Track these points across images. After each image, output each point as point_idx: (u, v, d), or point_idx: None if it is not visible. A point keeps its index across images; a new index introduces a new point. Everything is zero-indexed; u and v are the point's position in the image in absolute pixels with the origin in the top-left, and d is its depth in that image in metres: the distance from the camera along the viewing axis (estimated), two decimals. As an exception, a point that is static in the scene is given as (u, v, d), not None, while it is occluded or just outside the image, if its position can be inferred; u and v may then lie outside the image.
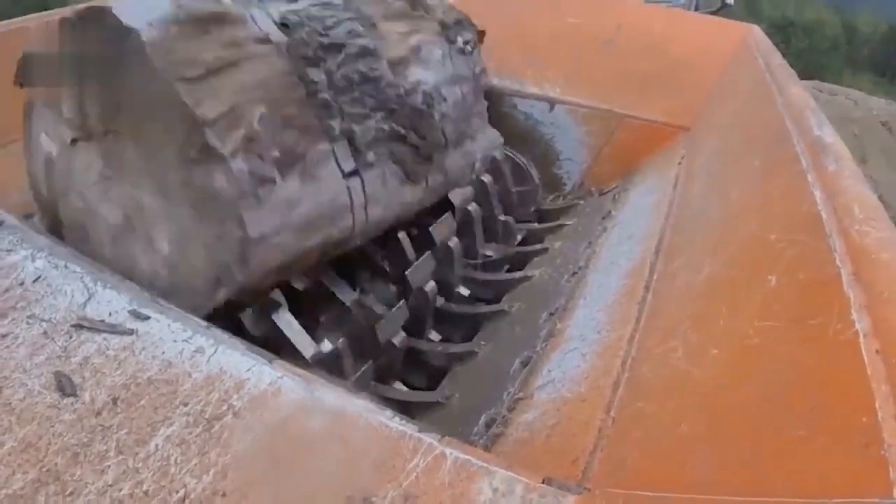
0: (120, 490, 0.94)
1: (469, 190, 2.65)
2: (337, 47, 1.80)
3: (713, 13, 7.38)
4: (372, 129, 1.86)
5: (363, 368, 1.95)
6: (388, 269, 2.28)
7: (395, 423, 1.12)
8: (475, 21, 2.64)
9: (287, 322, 1.84)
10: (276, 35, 1.69)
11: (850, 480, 0.77)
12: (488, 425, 1.67)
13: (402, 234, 2.31)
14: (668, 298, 1.67)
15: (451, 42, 2.26)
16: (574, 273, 2.26)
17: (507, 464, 1.08)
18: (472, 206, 2.64)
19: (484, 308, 2.42)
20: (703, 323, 1.37)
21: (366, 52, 1.88)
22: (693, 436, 1.10)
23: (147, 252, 1.61)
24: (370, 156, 1.85)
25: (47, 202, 1.80)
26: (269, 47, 1.65)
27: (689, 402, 1.20)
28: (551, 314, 2.07)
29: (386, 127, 1.90)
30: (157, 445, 1.02)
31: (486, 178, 2.80)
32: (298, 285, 2.00)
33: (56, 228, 1.80)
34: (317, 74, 1.72)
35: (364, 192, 1.84)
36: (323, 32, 1.78)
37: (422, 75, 2.08)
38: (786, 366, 1.04)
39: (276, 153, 1.56)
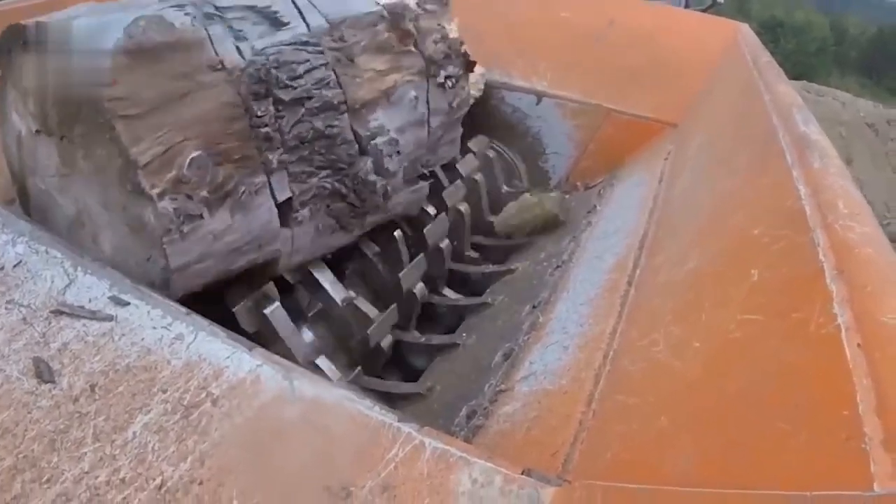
0: (97, 477, 0.93)
1: (462, 190, 2.65)
2: (298, 102, 1.79)
3: (703, 11, 7.38)
4: (313, 187, 1.86)
5: (353, 374, 1.95)
6: (379, 266, 2.27)
7: (375, 413, 1.11)
8: (466, 13, 2.63)
9: (280, 318, 1.85)
10: (230, 59, 1.66)
11: (831, 474, 0.77)
12: (469, 417, 1.67)
13: (398, 233, 2.33)
14: (651, 292, 1.67)
15: (432, 77, 2.24)
16: (557, 266, 2.26)
17: (486, 455, 1.07)
18: (464, 207, 2.64)
19: (467, 300, 2.43)
20: (686, 316, 1.37)
21: (327, 107, 1.86)
22: (674, 428, 1.10)
23: (93, 249, 1.63)
24: (304, 213, 1.86)
25: (19, 175, 1.80)
26: (218, 75, 1.63)
27: (670, 395, 1.20)
28: (534, 307, 2.07)
29: (328, 185, 1.90)
30: (134, 433, 1.01)
31: (479, 178, 2.80)
32: (290, 278, 2.00)
33: (25, 201, 1.80)
34: (262, 107, 1.70)
35: (292, 243, 1.87)
36: (287, 83, 1.76)
37: (384, 120, 2.06)
38: (768, 359, 1.04)
39: (204, 193, 1.59)
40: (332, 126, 1.87)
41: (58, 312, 1.19)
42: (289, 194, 1.81)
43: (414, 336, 2.28)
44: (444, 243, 2.49)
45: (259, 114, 1.69)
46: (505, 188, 3.06)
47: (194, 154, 1.55)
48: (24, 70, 1.60)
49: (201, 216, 1.59)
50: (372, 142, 1.99)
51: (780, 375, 0.99)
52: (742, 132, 2.00)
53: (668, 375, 1.25)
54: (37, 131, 1.64)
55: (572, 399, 1.46)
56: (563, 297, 2.03)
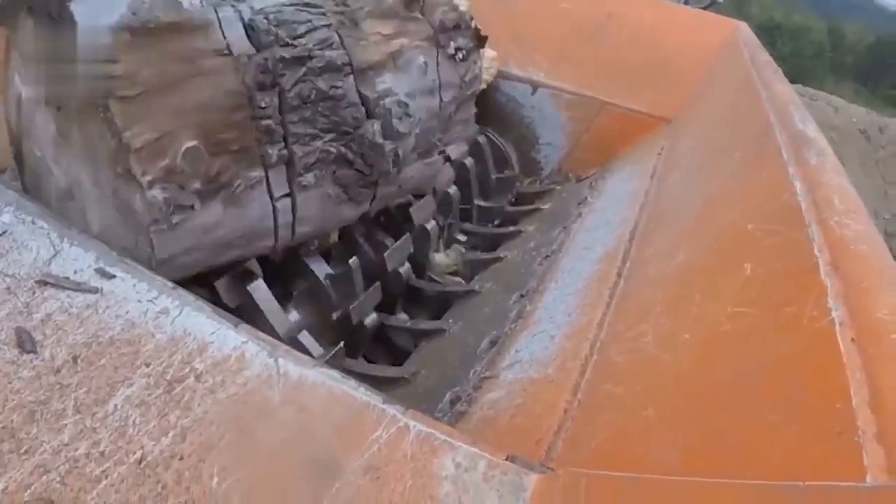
0: (76, 450, 0.92)
1: (451, 172, 2.65)
2: (299, 61, 1.75)
3: (702, 9, 7.39)
4: (317, 150, 1.82)
5: (334, 350, 1.94)
6: (365, 246, 2.27)
7: (360, 394, 1.11)
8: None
9: (262, 294, 1.83)
10: (239, 45, 1.63)
11: (823, 465, 0.77)
12: (453, 403, 1.67)
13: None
14: (640, 284, 1.66)
15: (441, 47, 2.22)
16: (547, 256, 2.26)
17: (470, 440, 1.07)
18: (452, 189, 2.64)
19: (454, 287, 2.42)
20: (675, 308, 1.37)
21: (331, 67, 1.82)
22: (661, 419, 1.09)
23: (81, 224, 1.58)
24: (308, 178, 1.81)
25: (16, 135, 1.77)
26: (224, 61, 1.60)
27: (657, 386, 1.19)
28: (522, 296, 2.07)
29: (333, 149, 1.86)
30: (115, 406, 1.00)
31: (468, 162, 2.80)
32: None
33: (21, 164, 1.77)
34: (266, 99, 1.67)
35: (293, 212, 1.82)
36: (289, 42, 1.72)
37: (393, 83, 2.03)
38: (759, 352, 1.03)
39: (197, 185, 1.55)
40: (336, 87, 1.83)
41: (42, 283, 1.17)
42: (286, 190, 1.78)
43: (399, 320, 2.28)
44: (431, 225, 2.47)
45: (262, 105, 1.66)
46: (496, 175, 3.05)
47: (189, 144, 1.52)
48: (25, 34, 1.57)
49: (192, 207, 1.56)
50: (380, 102, 1.95)
51: (771, 368, 0.99)
52: (738, 128, 2.00)
53: (655, 366, 1.24)
54: (37, 100, 1.62)
55: (558, 388, 1.46)
56: (552, 286, 2.02)
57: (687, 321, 1.28)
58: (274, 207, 1.77)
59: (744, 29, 3.23)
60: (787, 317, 1.03)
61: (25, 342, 1.06)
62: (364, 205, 2.06)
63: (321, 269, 2.04)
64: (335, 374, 1.14)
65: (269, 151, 1.70)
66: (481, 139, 2.99)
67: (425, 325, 2.23)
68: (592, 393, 1.38)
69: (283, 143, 1.73)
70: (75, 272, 1.22)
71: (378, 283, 2.18)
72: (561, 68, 3.17)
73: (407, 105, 2.03)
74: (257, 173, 1.69)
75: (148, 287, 1.22)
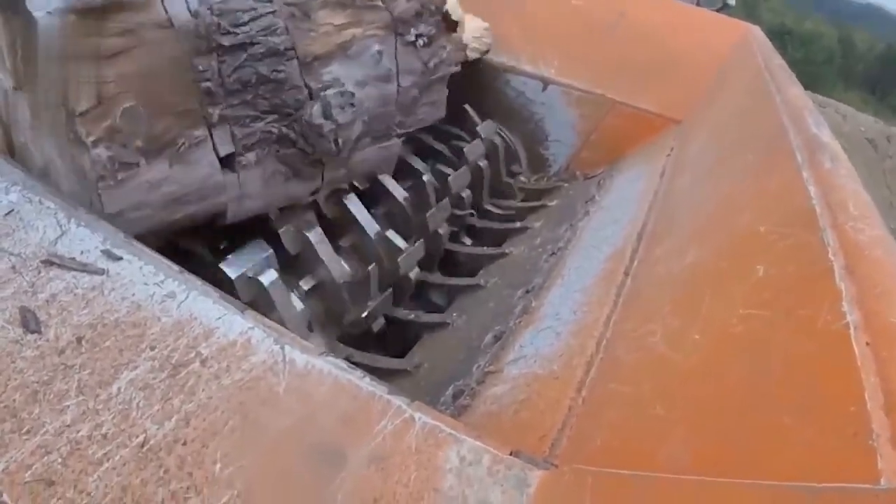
0: (78, 431, 0.92)
1: (467, 175, 2.65)
2: (241, 48, 1.79)
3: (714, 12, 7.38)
4: (258, 131, 1.87)
5: (344, 355, 1.94)
6: (378, 247, 2.26)
7: (365, 384, 1.10)
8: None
9: (276, 287, 1.87)
10: (181, 19, 1.68)
11: (836, 468, 0.76)
12: (456, 396, 1.66)
13: (391, 233, 2.30)
14: (648, 283, 1.66)
15: (399, 34, 2.22)
16: (553, 253, 2.25)
17: (475, 433, 1.07)
18: (466, 193, 2.64)
19: (459, 281, 2.42)
20: (685, 308, 1.36)
21: (273, 52, 1.85)
22: (669, 418, 1.08)
23: None
24: (249, 157, 1.86)
25: (6, 127, 1.81)
26: (166, 33, 1.66)
27: (666, 385, 1.19)
28: (527, 291, 2.06)
29: (275, 129, 1.90)
30: (119, 388, 0.99)
31: (483, 164, 2.79)
32: (291, 248, 2.02)
33: (11, 154, 1.80)
34: (204, 62, 1.72)
35: (239, 186, 1.87)
36: (229, 30, 1.76)
37: (340, 73, 2.04)
38: (772, 354, 1.03)
39: (139, 143, 1.64)
40: (278, 71, 1.87)
41: (48, 263, 1.16)
42: (232, 149, 1.82)
43: (403, 313, 2.27)
44: (444, 229, 2.48)
45: (200, 68, 1.72)
46: (506, 179, 3.06)
47: (126, 105, 1.59)
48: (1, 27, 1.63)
49: (137, 164, 1.63)
50: (322, 94, 1.97)
51: (783, 370, 0.98)
52: (750, 131, 1.99)
53: (664, 365, 1.24)
54: (14, 88, 1.66)
55: (563, 384, 1.45)
56: (558, 283, 2.02)
57: (697, 321, 1.27)
58: (222, 175, 1.83)
59: (756, 32, 3.22)
60: (800, 319, 1.02)
61: (30, 322, 1.05)
62: (313, 182, 2.08)
63: (338, 270, 2.04)
64: (341, 363, 1.14)
65: (211, 111, 1.75)
66: (497, 140, 2.99)
67: (428, 318, 2.23)
68: (598, 390, 1.37)
69: (223, 103, 1.78)
70: (82, 253, 1.21)
71: (390, 290, 2.19)
72: (572, 65, 3.16)
73: (352, 94, 2.04)
74: (201, 132, 1.75)
75: (155, 270, 1.21)
